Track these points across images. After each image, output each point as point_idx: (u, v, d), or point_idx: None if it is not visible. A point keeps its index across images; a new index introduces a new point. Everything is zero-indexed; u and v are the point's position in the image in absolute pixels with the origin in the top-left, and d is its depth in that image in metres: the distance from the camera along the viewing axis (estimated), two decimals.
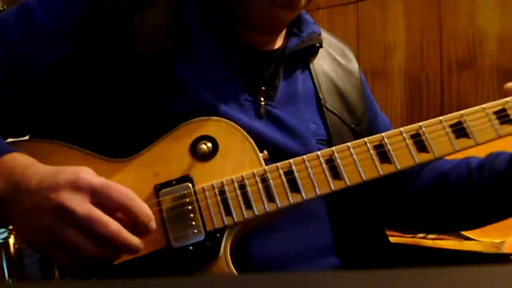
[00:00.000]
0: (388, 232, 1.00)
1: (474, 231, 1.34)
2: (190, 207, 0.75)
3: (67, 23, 0.83)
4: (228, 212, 0.75)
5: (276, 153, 0.81)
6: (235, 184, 0.76)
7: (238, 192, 0.75)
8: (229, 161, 0.77)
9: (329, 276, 0.34)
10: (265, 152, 0.79)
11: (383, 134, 0.78)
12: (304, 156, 0.77)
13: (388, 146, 0.77)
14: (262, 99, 0.88)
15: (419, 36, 2.17)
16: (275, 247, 0.81)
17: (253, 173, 0.76)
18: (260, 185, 0.76)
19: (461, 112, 0.79)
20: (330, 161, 0.77)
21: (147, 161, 0.78)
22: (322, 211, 0.87)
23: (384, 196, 1.05)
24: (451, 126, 0.78)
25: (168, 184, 0.76)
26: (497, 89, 1.98)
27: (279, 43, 0.95)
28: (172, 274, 0.74)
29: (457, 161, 1.00)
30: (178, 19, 0.86)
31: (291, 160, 0.77)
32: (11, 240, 0.80)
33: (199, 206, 0.75)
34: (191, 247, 0.74)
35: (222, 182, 0.76)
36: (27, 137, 0.87)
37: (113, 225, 0.66)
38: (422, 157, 0.77)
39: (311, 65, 0.98)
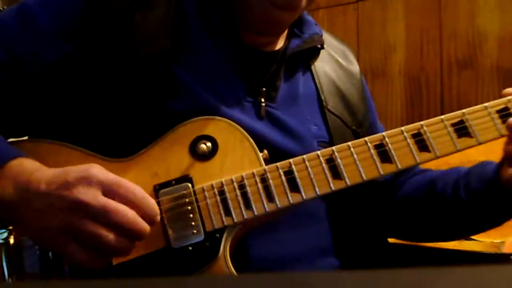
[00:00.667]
0: None
1: None
2: (189, 207, 0.75)
3: (67, 23, 0.83)
4: (228, 213, 0.75)
5: (276, 155, 0.81)
6: (235, 184, 0.76)
7: (238, 192, 0.75)
8: (228, 161, 0.77)
9: (329, 276, 0.34)
10: (265, 151, 0.79)
11: (384, 133, 0.77)
12: (304, 156, 0.77)
13: (389, 145, 0.76)
14: (262, 100, 0.88)
15: (419, 36, 2.17)
16: (274, 248, 0.81)
17: (253, 173, 0.76)
18: (259, 185, 0.75)
19: (463, 110, 0.78)
20: (330, 161, 0.76)
21: (147, 161, 0.78)
22: (321, 211, 0.87)
23: (376, 201, 1.01)
24: (452, 125, 0.77)
25: (167, 184, 0.76)
26: (497, 89, 1.98)
27: (280, 44, 0.95)
28: (172, 274, 0.73)
29: (447, 169, 0.98)
30: (178, 19, 0.86)
31: (291, 160, 0.76)
32: (11, 240, 0.80)
33: (198, 206, 0.75)
34: (190, 248, 0.74)
35: (221, 182, 0.76)
36: (27, 137, 0.87)
37: (131, 213, 0.67)
38: (423, 157, 0.76)
39: (312, 67, 0.98)
